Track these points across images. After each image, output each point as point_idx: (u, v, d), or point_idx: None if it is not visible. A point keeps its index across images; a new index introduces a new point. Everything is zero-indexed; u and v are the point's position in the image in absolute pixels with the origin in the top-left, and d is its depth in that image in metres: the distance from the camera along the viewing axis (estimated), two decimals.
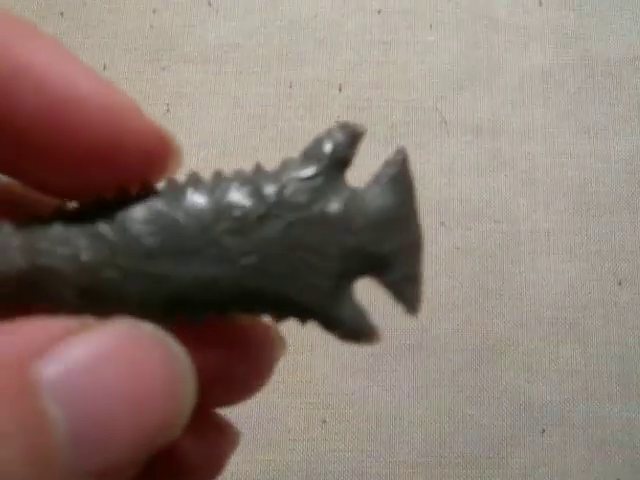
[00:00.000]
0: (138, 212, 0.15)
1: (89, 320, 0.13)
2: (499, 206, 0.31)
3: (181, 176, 0.15)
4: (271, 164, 0.33)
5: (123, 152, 0.15)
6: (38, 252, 0.14)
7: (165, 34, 0.32)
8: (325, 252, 0.15)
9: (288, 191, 0.15)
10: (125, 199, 0.15)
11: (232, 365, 0.18)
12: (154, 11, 0.33)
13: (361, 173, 0.30)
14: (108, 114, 0.15)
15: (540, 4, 0.33)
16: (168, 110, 0.32)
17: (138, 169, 0.15)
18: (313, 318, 0.15)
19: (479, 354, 0.30)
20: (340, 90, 0.32)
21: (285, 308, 0.15)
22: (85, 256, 0.14)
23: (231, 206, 0.15)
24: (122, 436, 0.13)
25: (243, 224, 0.14)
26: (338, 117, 0.32)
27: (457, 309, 0.30)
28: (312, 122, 0.32)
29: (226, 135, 0.32)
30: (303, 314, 0.15)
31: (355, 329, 0.15)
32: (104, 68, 0.32)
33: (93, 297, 0.14)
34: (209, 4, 0.33)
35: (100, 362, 0.13)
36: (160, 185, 0.16)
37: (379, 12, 0.33)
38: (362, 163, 0.30)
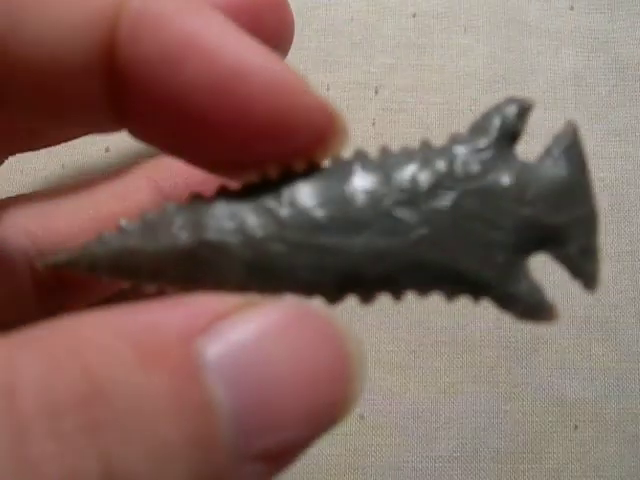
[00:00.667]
0: (306, 187, 0.15)
1: (255, 298, 0.13)
2: None
3: (345, 154, 0.15)
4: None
5: (290, 127, 0.15)
6: (204, 228, 0.14)
7: None
8: (499, 223, 0.14)
9: (458, 163, 0.15)
10: (290, 176, 0.15)
11: None
12: None
13: None
14: (276, 88, 0.15)
15: (572, 8, 0.34)
16: None
17: (304, 145, 0.15)
18: (488, 294, 0.14)
19: (513, 351, 0.30)
20: (376, 92, 0.33)
21: (459, 282, 0.14)
22: (252, 230, 0.14)
23: (401, 178, 0.14)
24: (288, 419, 0.12)
25: (414, 196, 0.14)
26: (374, 119, 0.32)
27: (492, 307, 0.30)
28: (350, 124, 0.32)
29: None
30: (478, 289, 0.14)
31: (533, 306, 0.14)
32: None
33: (261, 272, 0.14)
34: None
35: (266, 341, 0.12)
36: (326, 163, 0.15)
37: (414, 16, 0.33)
38: None
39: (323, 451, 0.29)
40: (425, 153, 0.15)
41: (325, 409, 0.13)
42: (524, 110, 0.16)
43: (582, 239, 0.15)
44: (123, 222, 0.15)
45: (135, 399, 0.11)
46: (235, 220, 0.14)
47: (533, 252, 0.15)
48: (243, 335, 0.12)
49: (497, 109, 0.16)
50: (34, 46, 0.14)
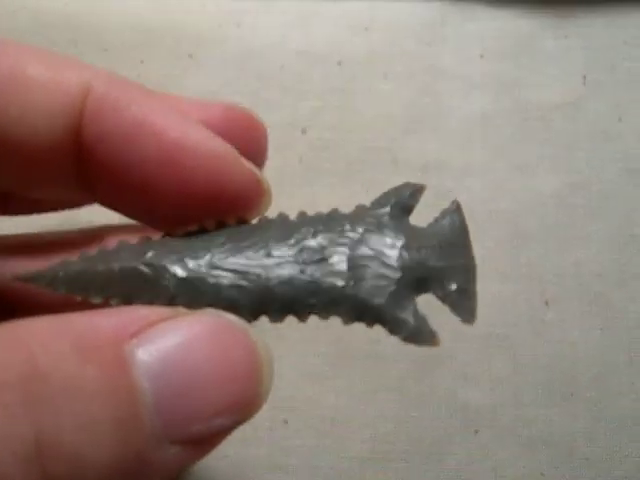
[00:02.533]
0: (236, 233, 0.17)
1: (181, 309, 0.15)
2: None
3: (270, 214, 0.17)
4: None
5: (224, 190, 0.17)
6: (147, 254, 0.16)
7: (151, 82, 0.33)
8: (388, 263, 0.16)
9: (361, 219, 0.17)
10: (224, 227, 0.17)
11: None
12: (142, 62, 0.36)
13: (321, 203, 0.33)
14: (213, 159, 0.17)
15: (481, 56, 0.37)
16: None
17: (237, 203, 0.17)
18: (378, 320, 0.16)
19: (421, 364, 0.32)
20: (303, 132, 0.35)
21: (354, 309, 0.16)
22: (187, 257, 0.16)
23: (313, 230, 0.17)
24: (203, 411, 0.14)
25: (321, 239, 0.16)
26: (301, 156, 0.35)
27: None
28: (279, 160, 0.35)
29: None
30: (370, 314, 0.16)
31: (418, 332, 0.16)
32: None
33: (190, 290, 0.16)
34: (190, 56, 0.36)
35: (188, 346, 0.14)
36: (253, 220, 0.18)
37: (339, 64, 0.36)
38: (323, 194, 0.34)
39: (250, 451, 0.32)
40: (334, 217, 0.18)
41: (237, 404, 0.14)
42: (416, 192, 0.18)
43: (461, 281, 0.17)
44: (84, 252, 0.17)
45: (70, 381, 0.12)
46: (173, 250, 0.17)
47: (420, 291, 0.17)
48: (169, 339, 0.14)
49: (395, 190, 0.18)
50: (12, 126, 0.17)
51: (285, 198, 0.35)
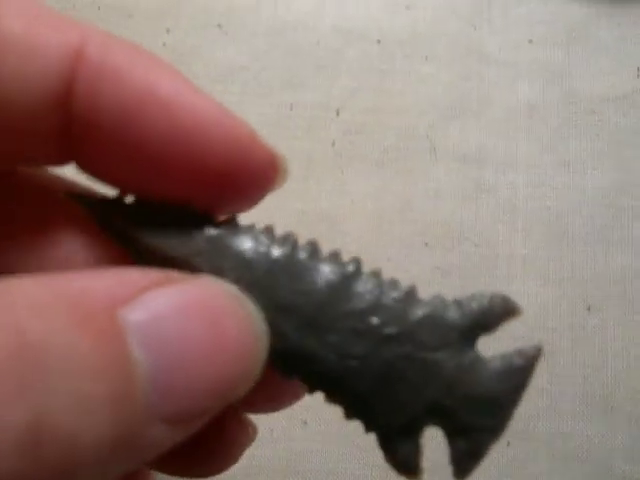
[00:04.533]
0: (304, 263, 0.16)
1: (174, 274, 0.14)
2: (480, 231, 0.33)
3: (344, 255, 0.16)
4: None
5: (239, 165, 0.16)
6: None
7: (176, 53, 0.34)
8: (421, 395, 0.15)
9: (426, 327, 0.16)
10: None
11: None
12: (167, 31, 0.35)
13: (352, 190, 0.32)
14: (229, 136, 0.16)
15: (530, 41, 0.36)
16: None
17: (252, 184, 0.17)
18: (377, 433, 0.16)
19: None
20: (337, 114, 0.34)
21: (363, 414, 0.16)
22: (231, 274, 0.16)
23: (376, 310, 0.16)
24: (198, 385, 0.13)
25: (372, 333, 0.16)
26: (334, 140, 0.34)
27: None
28: (309, 143, 0.34)
29: None
30: (372, 427, 0.16)
31: (401, 465, 0.16)
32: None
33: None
34: (219, 26, 0.35)
35: (183, 313, 0.13)
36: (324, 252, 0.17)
37: (378, 42, 0.35)
38: (353, 182, 0.33)
39: (266, 453, 0.31)
40: (408, 300, 0.16)
41: (229, 380, 0.14)
42: (507, 314, 0.17)
43: (476, 444, 0.16)
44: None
45: (64, 357, 0.12)
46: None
47: (432, 424, 0.16)
48: (164, 307, 0.13)
49: (483, 298, 0.16)
50: None
51: (314, 183, 0.34)
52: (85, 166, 0.17)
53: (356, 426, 0.30)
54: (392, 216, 0.33)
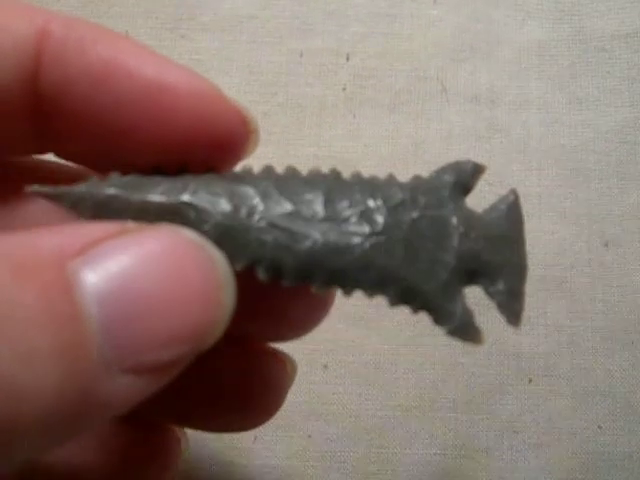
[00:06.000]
0: (271, 185, 0.16)
1: (130, 225, 0.14)
2: (494, 171, 0.33)
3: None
4: (279, 127, 0.34)
5: (209, 132, 0.16)
6: (188, 192, 0.16)
7: (185, 3, 0.35)
8: (446, 246, 0.16)
9: (420, 192, 0.17)
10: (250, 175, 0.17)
11: (289, 305, 0.20)
12: None
13: (364, 134, 0.32)
14: (196, 97, 0.16)
15: None
16: None
17: (222, 148, 0.17)
18: (426, 307, 0.16)
19: (473, 307, 0.32)
20: (347, 59, 0.34)
21: (402, 290, 0.16)
22: (231, 206, 0.16)
23: (370, 195, 0.16)
24: (160, 335, 0.13)
25: (377, 208, 0.16)
26: (345, 85, 0.34)
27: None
28: (320, 89, 0.34)
29: (239, 100, 0.31)
30: (418, 300, 0.16)
31: (463, 327, 0.16)
32: (126, 35, 0.34)
33: (230, 239, 0.15)
34: None
35: (140, 266, 0.13)
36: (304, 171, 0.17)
37: None
38: (366, 126, 0.33)
39: (288, 398, 0.31)
40: (394, 181, 0.17)
41: (192, 331, 0.13)
42: (477, 172, 0.18)
43: (511, 281, 0.17)
44: (113, 175, 0.16)
45: (6, 306, 0.11)
46: (216, 191, 0.16)
47: (469, 282, 0.16)
48: (118, 259, 0.13)
49: (454, 166, 0.18)
50: None
51: (326, 128, 0.34)
52: (60, 149, 0.18)
53: (375, 368, 0.32)
54: (406, 158, 0.33)
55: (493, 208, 0.18)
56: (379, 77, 0.34)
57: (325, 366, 0.31)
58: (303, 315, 0.21)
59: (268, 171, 0.17)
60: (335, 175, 0.17)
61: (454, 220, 0.16)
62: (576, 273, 0.32)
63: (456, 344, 0.32)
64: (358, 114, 0.34)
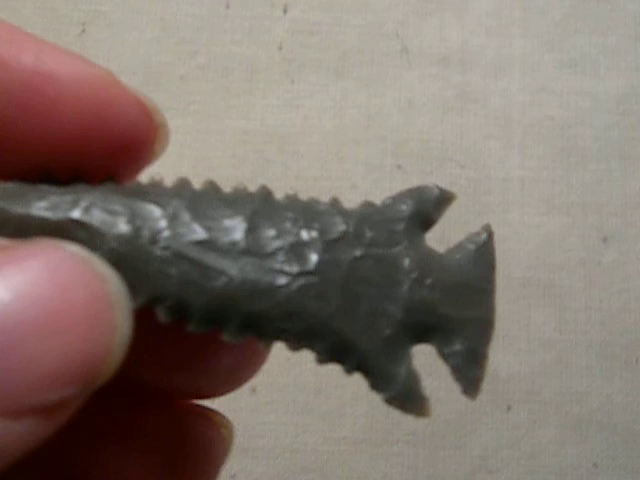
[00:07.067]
0: (182, 201, 0.16)
1: (0, 241, 0.14)
2: (466, 149, 0.33)
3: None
4: (199, 95, 0.34)
5: (104, 127, 0.16)
6: (79, 208, 0.15)
7: None
8: (393, 295, 0.16)
9: (368, 224, 0.16)
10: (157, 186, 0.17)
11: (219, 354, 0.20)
12: None
13: (305, 104, 0.31)
14: (83, 83, 0.16)
15: None
16: (84, 31, 0.32)
17: (122, 147, 0.17)
18: (362, 367, 0.15)
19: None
20: (285, 11, 0.33)
21: (336, 347, 0.15)
22: (131, 228, 0.15)
23: (306, 225, 0.16)
24: (37, 373, 0.13)
25: (312, 242, 0.16)
26: (281, 43, 0.33)
27: None
28: (251, 48, 0.33)
29: (150, 61, 0.32)
30: (353, 358, 0.15)
31: (406, 394, 0.15)
32: None
33: (129, 269, 0.15)
34: None
35: (10, 289, 0.13)
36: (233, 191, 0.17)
37: None
38: (307, 95, 0.33)
39: None
40: (337, 208, 0.17)
41: (83, 361, 0.13)
42: (444, 200, 0.17)
43: (472, 341, 0.16)
44: None
45: None
46: (112, 207, 0.16)
47: (419, 339, 0.16)
48: None
49: (417, 191, 0.17)
50: None
51: (258, 97, 0.33)
52: None
53: (315, 393, 0.30)
54: (356, 134, 0.33)
55: (459, 248, 0.17)
56: (324, 33, 0.33)
57: (253, 389, 0.31)
58: (233, 363, 0.20)
59: (182, 185, 0.16)
60: (264, 195, 0.17)
61: (406, 262, 0.16)
62: (567, 275, 0.32)
63: (417, 363, 0.31)
64: (297, 79, 0.34)
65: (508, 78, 0.33)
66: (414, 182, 0.31)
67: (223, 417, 0.21)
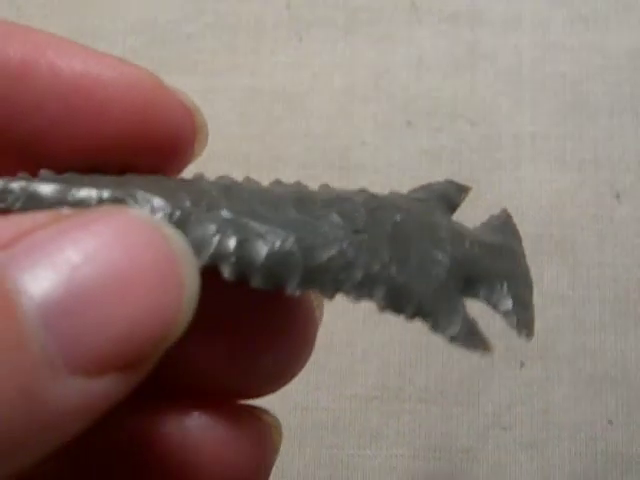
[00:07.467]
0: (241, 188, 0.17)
1: (65, 211, 0.14)
2: (477, 106, 0.33)
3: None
4: (206, 54, 0.35)
5: (149, 129, 0.17)
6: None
7: None
8: (438, 246, 0.16)
9: (401, 201, 0.17)
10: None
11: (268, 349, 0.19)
12: None
13: (313, 63, 0.31)
14: (130, 90, 0.17)
15: None
16: None
17: (165, 147, 0.17)
18: (423, 309, 0.16)
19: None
20: None
21: (395, 292, 0.15)
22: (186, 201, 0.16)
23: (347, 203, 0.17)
24: (113, 328, 0.13)
25: (356, 209, 0.16)
26: (289, 1, 0.33)
27: None
28: (259, 5, 0.34)
29: (156, 20, 0.33)
30: (413, 302, 0.15)
31: (468, 331, 0.16)
32: None
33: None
34: None
35: (83, 257, 0.13)
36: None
37: None
38: (315, 52, 0.33)
39: None
40: (368, 192, 0.17)
41: (150, 316, 0.14)
42: (462, 192, 0.19)
43: (517, 290, 0.17)
44: (44, 171, 0.16)
45: None
46: (170, 190, 0.16)
47: (467, 291, 0.16)
48: (48, 247, 0.13)
49: (436, 186, 0.18)
50: None
51: (266, 55, 0.33)
52: None
53: (326, 350, 0.30)
54: (365, 91, 0.33)
55: (485, 225, 0.18)
56: None
57: None
58: (278, 360, 0.20)
59: (223, 177, 0.17)
60: (299, 184, 0.17)
61: (444, 225, 0.17)
62: (580, 231, 0.32)
63: None
64: (306, 37, 0.34)
65: (518, 34, 0.34)
66: (424, 139, 0.32)
67: (274, 418, 0.21)
